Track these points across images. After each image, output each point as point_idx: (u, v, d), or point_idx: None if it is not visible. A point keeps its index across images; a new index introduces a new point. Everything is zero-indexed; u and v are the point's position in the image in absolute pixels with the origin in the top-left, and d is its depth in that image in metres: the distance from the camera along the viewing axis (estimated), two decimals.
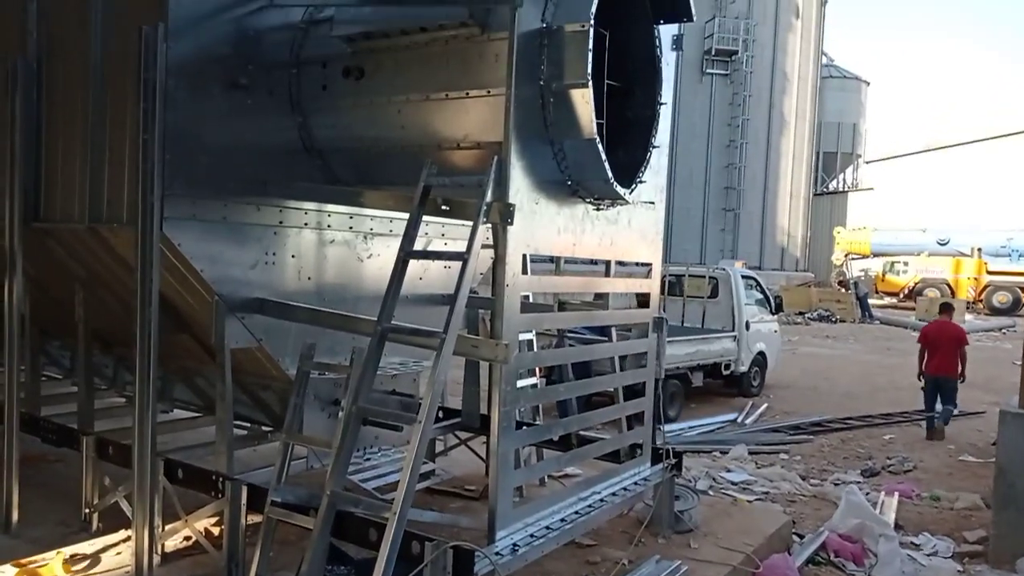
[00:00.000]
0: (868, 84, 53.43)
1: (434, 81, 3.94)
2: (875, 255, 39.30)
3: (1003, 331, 26.46)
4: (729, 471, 8.08)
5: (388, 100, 4.11)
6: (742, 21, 36.73)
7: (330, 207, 4.64)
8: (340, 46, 4.15)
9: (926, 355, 10.62)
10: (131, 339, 4.05)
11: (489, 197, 3.51)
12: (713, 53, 36.60)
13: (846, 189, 53.29)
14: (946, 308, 11.39)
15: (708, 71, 37.14)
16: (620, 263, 4.79)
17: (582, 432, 5.04)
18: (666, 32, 4.50)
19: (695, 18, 4.33)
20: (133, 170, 3.88)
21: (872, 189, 50.38)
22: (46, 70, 4.57)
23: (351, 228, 4.84)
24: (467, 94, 3.84)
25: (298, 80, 4.37)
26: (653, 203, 4.77)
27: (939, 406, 10.48)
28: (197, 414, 5.74)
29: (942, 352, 10.40)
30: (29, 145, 4.54)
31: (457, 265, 3.54)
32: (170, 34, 3.79)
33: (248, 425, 5.35)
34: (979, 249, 35.65)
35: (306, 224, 4.57)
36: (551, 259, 4.76)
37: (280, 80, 4.38)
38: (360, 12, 4.13)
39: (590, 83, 3.56)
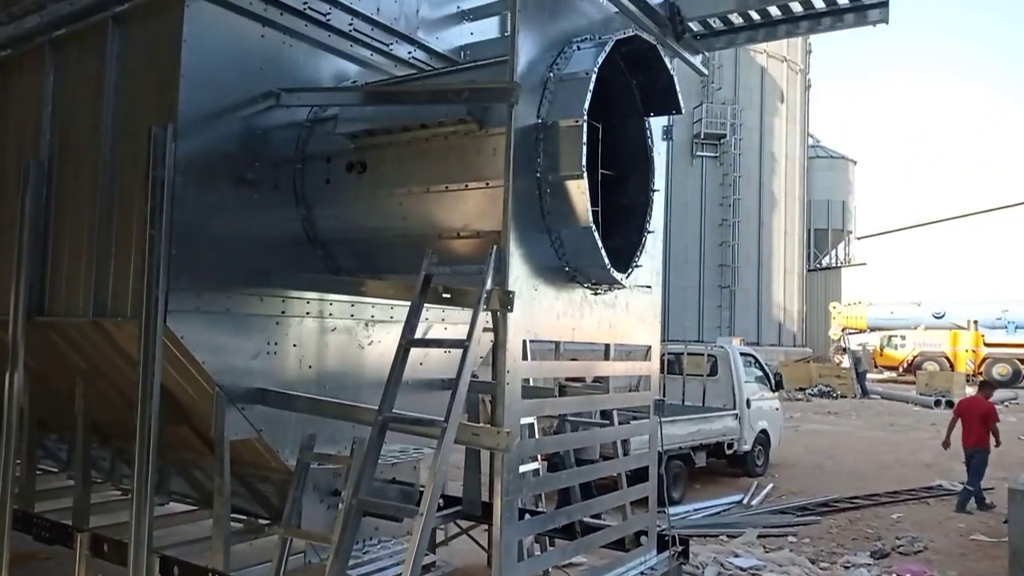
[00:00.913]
0: (855, 163, 54.72)
1: (434, 174, 4.07)
2: (872, 330, 39.40)
3: (1006, 404, 26.26)
4: (737, 556, 7.87)
5: (390, 192, 4.23)
6: (729, 107, 37.93)
7: (332, 295, 4.70)
8: (343, 142, 4.30)
9: (958, 427, 11.03)
10: (130, 432, 4.03)
11: (489, 285, 3.57)
12: (702, 136, 37.64)
13: (839, 265, 53.82)
14: (984, 386, 11.87)
15: (698, 153, 38.10)
16: (619, 346, 4.82)
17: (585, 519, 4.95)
18: (657, 124, 4.68)
19: (683, 111, 4.51)
20: (139, 265, 3.95)
21: (865, 264, 50.95)
22: (57, 168, 4.72)
23: (352, 315, 4.89)
24: (466, 186, 3.96)
25: (303, 175, 4.50)
26: (650, 287, 4.84)
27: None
28: (193, 507, 5.64)
29: (968, 426, 10.88)
30: (36, 241, 4.64)
31: (458, 350, 3.57)
32: (179, 133, 3.94)
33: (244, 518, 5.25)
34: (975, 322, 35.77)
35: (308, 313, 4.62)
36: (551, 344, 4.79)
37: (285, 175, 4.51)
38: (363, 111, 4.31)
39: (585, 174, 3.68)
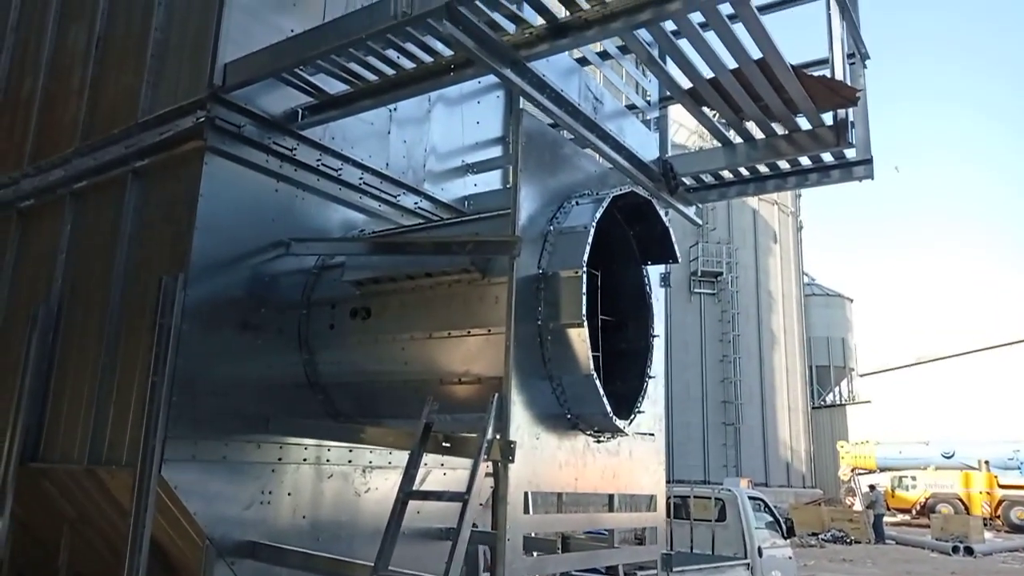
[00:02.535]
0: (851, 301, 55.44)
1: (437, 320, 4.13)
2: (881, 470, 38.31)
3: None
4: None
5: (393, 338, 4.28)
6: (724, 246, 38.94)
7: (330, 441, 4.64)
8: (349, 289, 4.40)
9: None
10: None
11: (490, 434, 3.53)
12: (699, 275, 38.37)
13: (843, 402, 53.24)
14: None
15: (696, 291, 38.69)
16: (623, 495, 4.69)
17: None
18: (654, 271, 4.80)
19: (680, 260, 4.64)
20: (138, 412, 3.94)
21: (869, 402, 50.32)
22: (66, 314, 4.81)
23: (350, 461, 4.80)
24: (469, 332, 4.01)
25: (307, 320, 4.57)
26: (653, 435, 4.78)
27: None
28: None
29: None
30: (38, 385, 4.64)
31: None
32: (189, 282, 4.04)
33: None
34: (986, 462, 34.84)
35: (305, 459, 4.54)
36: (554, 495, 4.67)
37: (290, 320, 4.58)
38: (369, 259, 4.43)
39: (585, 322, 3.73)
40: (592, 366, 3.79)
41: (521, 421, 3.69)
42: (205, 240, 4.13)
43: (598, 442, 4.31)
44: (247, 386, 4.33)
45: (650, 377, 4.56)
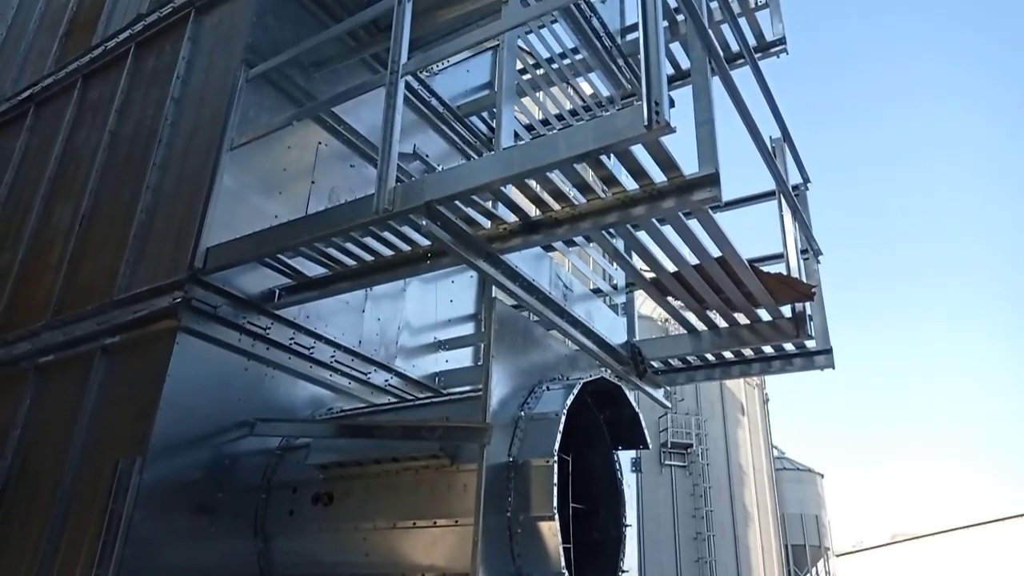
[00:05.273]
0: (822, 476, 54.82)
1: (403, 509, 3.99)
2: None
3: None
4: None
5: (355, 527, 4.10)
6: (692, 416, 38.89)
7: None
8: (312, 472, 4.27)
9: None
10: None
11: None
12: (670, 446, 37.98)
13: None
14: None
15: (666, 462, 38.08)
16: None
17: None
18: (625, 456, 4.76)
19: (650, 447, 4.62)
20: None
21: None
22: (11, 494, 4.56)
23: None
24: (435, 523, 3.87)
25: (266, 505, 4.39)
26: None
27: None
28: None
29: None
30: None
31: None
32: (146, 463, 3.90)
33: None
34: None
35: None
36: None
37: (248, 504, 4.39)
38: (335, 441, 4.35)
39: (556, 516, 3.63)
40: (563, 563, 3.65)
41: None
42: (168, 421, 4.04)
43: None
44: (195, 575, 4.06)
45: (624, 572, 4.39)
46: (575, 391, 4.01)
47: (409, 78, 5.61)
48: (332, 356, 5.12)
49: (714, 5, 5.18)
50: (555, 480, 3.66)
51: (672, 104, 4.19)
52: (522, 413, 3.99)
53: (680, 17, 5.86)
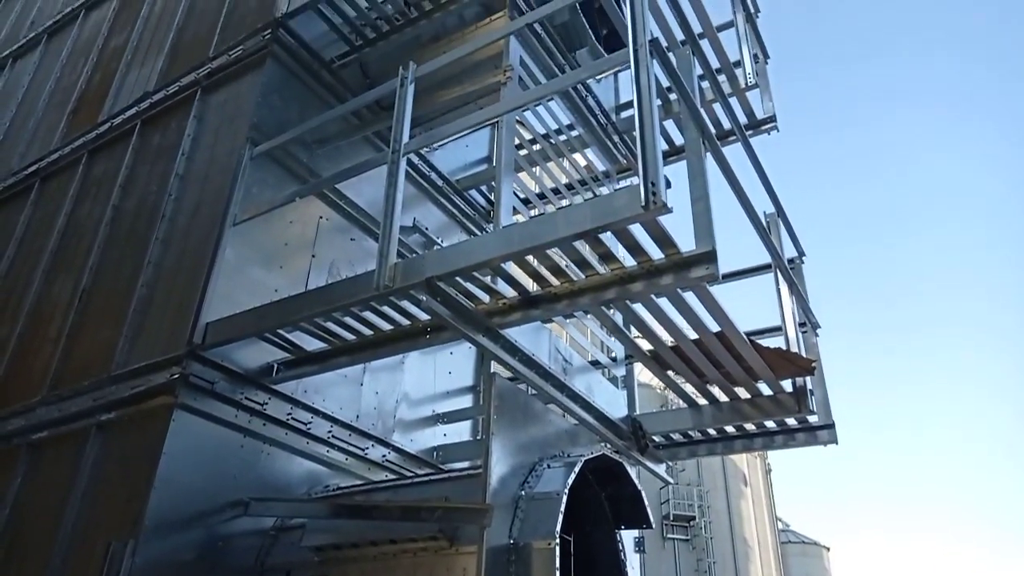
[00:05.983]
0: (828, 549, 53.47)
1: None
2: None
3: None
4: None
5: None
6: (695, 488, 38.17)
7: None
8: (307, 554, 4.16)
9: None
10: None
11: None
12: (672, 518, 37.14)
13: None
14: None
15: (669, 536, 37.16)
16: None
17: None
18: (628, 535, 4.65)
19: (654, 526, 4.53)
20: None
21: None
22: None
23: None
24: None
25: None
26: None
27: None
28: None
29: None
30: None
31: None
32: (139, 545, 3.80)
33: None
34: None
35: None
36: None
37: None
38: (331, 522, 4.25)
39: None
40: None
41: None
42: (162, 500, 3.96)
43: None
44: None
45: None
46: (576, 469, 3.95)
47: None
48: (329, 431, 5.05)
49: (705, 85, 5.34)
50: (557, 563, 3.57)
51: (668, 185, 4.25)
52: (523, 492, 3.91)
53: (673, 96, 6.03)
